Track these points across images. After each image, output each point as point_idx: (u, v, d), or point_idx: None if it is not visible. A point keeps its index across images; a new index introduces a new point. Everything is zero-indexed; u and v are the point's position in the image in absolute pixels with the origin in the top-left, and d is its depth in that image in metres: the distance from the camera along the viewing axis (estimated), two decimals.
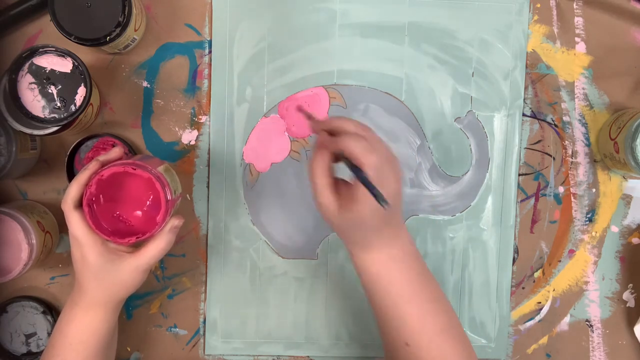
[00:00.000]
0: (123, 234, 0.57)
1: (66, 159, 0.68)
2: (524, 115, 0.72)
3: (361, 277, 0.60)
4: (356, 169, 0.54)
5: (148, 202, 0.59)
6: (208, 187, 0.71)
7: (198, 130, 0.71)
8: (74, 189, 0.56)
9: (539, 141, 0.72)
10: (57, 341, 0.59)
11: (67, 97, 0.60)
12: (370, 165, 0.54)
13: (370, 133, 0.57)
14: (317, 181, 0.57)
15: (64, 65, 0.60)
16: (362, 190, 0.54)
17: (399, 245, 0.59)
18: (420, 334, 0.58)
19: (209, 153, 0.71)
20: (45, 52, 0.60)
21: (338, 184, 0.57)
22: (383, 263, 0.58)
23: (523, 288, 0.73)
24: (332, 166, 0.57)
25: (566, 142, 0.73)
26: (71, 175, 0.68)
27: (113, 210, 0.58)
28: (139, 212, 0.59)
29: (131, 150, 0.69)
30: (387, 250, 0.58)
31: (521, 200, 0.73)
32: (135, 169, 0.56)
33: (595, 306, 0.74)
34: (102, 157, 0.58)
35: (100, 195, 0.57)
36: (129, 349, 0.71)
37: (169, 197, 0.57)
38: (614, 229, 0.73)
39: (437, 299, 0.60)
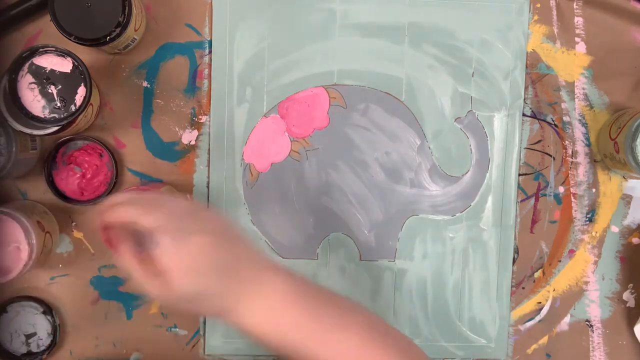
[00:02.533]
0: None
1: (46, 156, 0.68)
2: (524, 115, 0.72)
3: (256, 342, 0.53)
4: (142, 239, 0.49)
5: None
6: (208, 187, 0.71)
7: (198, 130, 0.71)
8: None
9: (539, 141, 0.72)
10: None
11: (67, 97, 0.60)
12: (148, 225, 0.48)
13: (147, 195, 0.51)
14: (138, 277, 0.50)
15: (64, 65, 0.60)
16: (160, 263, 0.48)
17: (270, 290, 0.51)
18: (344, 357, 0.52)
19: (209, 153, 0.71)
20: (45, 52, 0.60)
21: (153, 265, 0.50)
22: (264, 321, 0.51)
23: (523, 288, 0.73)
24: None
25: (566, 142, 0.73)
26: (49, 173, 0.68)
27: None
28: None
29: (113, 158, 0.68)
30: (259, 303, 0.51)
31: (521, 200, 0.73)
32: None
33: (595, 306, 0.74)
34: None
35: None
36: (125, 351, 0.71)
37: None
38: (614, 229, 0.73)
39: (341, 314, 0.53)
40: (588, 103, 0.72)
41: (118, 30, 0.62)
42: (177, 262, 0.48)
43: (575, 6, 0.71)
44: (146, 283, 0.50)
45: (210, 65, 0.70)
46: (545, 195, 0.73)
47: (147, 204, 0.50)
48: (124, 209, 0.50)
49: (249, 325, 0.52)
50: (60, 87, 0.60)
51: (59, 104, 0.60)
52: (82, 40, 0.61)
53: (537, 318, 0.74)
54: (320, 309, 0.53)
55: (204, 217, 0.52)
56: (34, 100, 0.60)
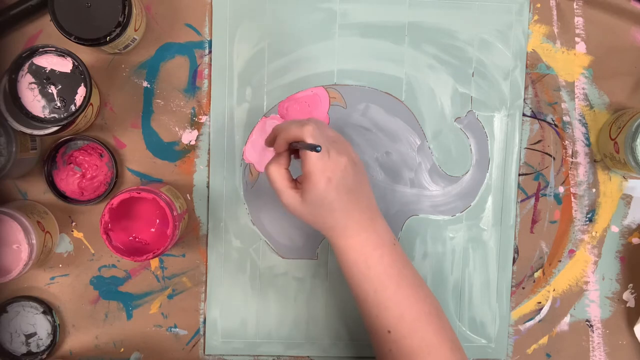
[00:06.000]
0: (141, 252, 0.63)
1: (46, 156, 0.69)
2: (524, 115, 0.72)
3: (341, 265, 0.61)
4: (296, 143, 0.58)
5: (157, 221, 0.65)
6: (208, 187, 0.71)
7: (198, 130, 0.71)
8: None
9: (539, 141, 0.72)
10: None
11: (67, 97, 0.60)
12: (307, 132, 0.57)
13: (314, 119, 0.60)
14: (276, 186, 0.59)
15: (64, 65, 0.60)
16: (309, 164, 0.57)
17: (374, 230, 0.60)
18: (401, 321, 0.59)
19: (209, 153, 0.71)
20: (45, 52, 0.60)
21: (297, 183, 0.60)
22: (360, 248, 0.60)
23: (523, 288, 0.73)
24: (288, 172, 0.60)
25: (566, 142, 0.73)
26: (49, 173, 0.69)
27: (129, 233, 0.65)
28: (152, 230, 0.65)
29: (113, 158, 0.69)
30: (364, 235, 0.60)
31: (521, 200, 0.73)
32: (139, 193, 0.62)
33: (595, 306, 0.74)
34: None
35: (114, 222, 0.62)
36: (125, 351, 0.71)
37: (174, 212, 0.63)
38: (614, 229, 0.73)
39: (417, 285, 0.61)
40: (588, 103, 0.72)
41: (118, 30, 0.62)
42: (323, 169, 0.57)
43: (575, 6, 0.71)
44: (284, 191, 0.59)
45: (210, 65, 0.70)
46: (545, 195, 0.73)
47: (314, 123, 0.58)
48: (293, 123, 0.58)
49: (346, 247, 0.60)
50: (60, 87, 0.60)
51: (59, 104, 0.60)
52: (82, 40, 0.61)
53: (537, 318, 0.74)
54: (406, 266, 0.61)
55: (350, 149, 0.60)
56: (34, 100, 0.60)
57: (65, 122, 0.60)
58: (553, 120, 0.72)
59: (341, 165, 0.57)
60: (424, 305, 0.60)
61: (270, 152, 0.71)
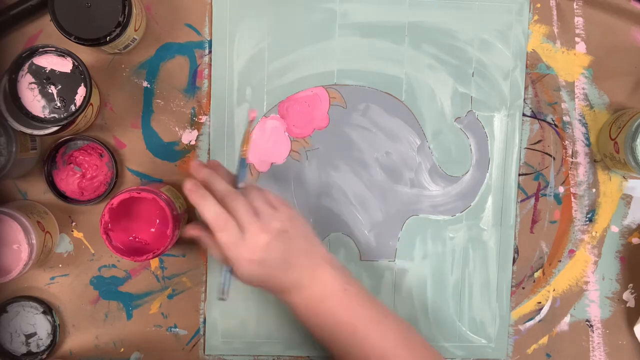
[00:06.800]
0: (141, 252, 0.63)
1: (46, 156, 0.69)
2: (524, 115, 0.72)
3: (306, 321, 0.62)
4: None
5: (157, 221, 0.65)
6: None
7: (198, 130, 0.71)
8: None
9: (539, 141, 0.72)
10: None
11: (67, 97, 0.60)
12: (207, 219, 0.58)
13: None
14: (213, 252, 0.61)
15: (64, 65, 0.60)
16: (224, 250, 0.59)
17: (319, 282, 0.61)
18: (383, 352, 0.59)
19: (209, 153, 0.71)
20: (45, 52, 0.60)
21: None
22: (306, 304, 0.61)
23: (523, 288, 0.73)
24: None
25: (566, 142, 0.73)
26: (49, 173, 0.69)
27: (129, 233, 0.65)
28: (152, 230, 0.65)
29: (113, 158, 0.69)
30: (307, 292, 0.60)
31: (521, 200, 0.73)
32: (139, 193, 0.62)
33: (595, 306, 0.74)
34: None
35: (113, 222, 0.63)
36: (122, 350, 0.71)
37: (174, 212, 0.63)
38: (614, 229, 0.73)
39: (376, 321, 0.61)
40: (588, 103, 0.72)
41: (118, 30, 0.62)
42: (239, 254, 0.58)
43: (575, 6, 0.71)
44: (220, 259, 0.61)
45: (210, 65, 0.70)
46: (545, 195, 0.73)
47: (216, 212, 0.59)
48: (202, 206, 0.59)
49: (300, 308, 0.61)
50: (60, 87, 0.60)
51: (59, 104, 0.60)
52: (82, 40, 0.61)
53: (537, 318, 0.74)
54: (366, 303, 0.61)
55: (274, 215, 0.60)
56: (34, 100, 0.60)
57: (65, 122, 0.60)
58: (553, 120, 0.72)
59: (260, 244, 0.58)
60: (386, 341, 0.60)
61: (270, 152, 0.71)
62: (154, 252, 0.62)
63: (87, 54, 0.68)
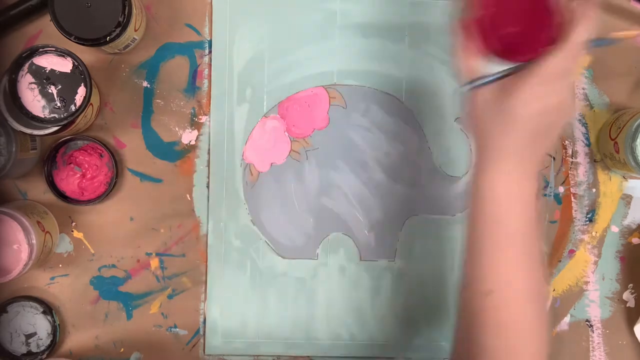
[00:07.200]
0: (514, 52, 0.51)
1: (46, 156, 0.69)
2: None
3: (475, 197, 0.55)
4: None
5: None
6: (208, 187, 0.71)
7: (198, 130, 0.71)
8: None
9: None
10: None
11: (67, 97, 0.60)
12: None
13: None
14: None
15: (64, 65, 0.60)
16: (549, 66, 0.48)
17: (534, 178, 0.52)
18: (508, 285, 0.53)
19: (209, 153, 0.71)
20: (45, 52, 0.60)
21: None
22: (509, 189, 0.52)
23: None
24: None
25: (566, 142, 0.73)
26: (49, 173, 0.69)
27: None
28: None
29: (113, 158, 0.69)
30: (525, 181, 0.52)
31: None
32: None
33: (595, 306, 0.74)
34: None
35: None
36: (122, 350, 0.71)
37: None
38: (614, 229, 0.73)
39: (538, 259, 0.54)
40: (588, 103, 0.72)
41: (118, 30, 0.62)
42: (547, 82, 0.49)
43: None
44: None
45: (210, 65, 0.70)
46: (545, 195, 0.73)
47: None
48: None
49: (495, 181, 0.52)
50: (60, 87, 0.60)
51: (59, 104, 0.60)
52: (82, 40, 0.61)
53: None
54: (538, 233, 0.54)
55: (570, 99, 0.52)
56: (34, 100, 0.60)
57: (65, 122, 0.60)
58: None
59: (560, 97, 0.49)
60: (537, 281, 0.53)
61: (270, 152, 0.71)
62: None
63: (87, 54, 0.68)
